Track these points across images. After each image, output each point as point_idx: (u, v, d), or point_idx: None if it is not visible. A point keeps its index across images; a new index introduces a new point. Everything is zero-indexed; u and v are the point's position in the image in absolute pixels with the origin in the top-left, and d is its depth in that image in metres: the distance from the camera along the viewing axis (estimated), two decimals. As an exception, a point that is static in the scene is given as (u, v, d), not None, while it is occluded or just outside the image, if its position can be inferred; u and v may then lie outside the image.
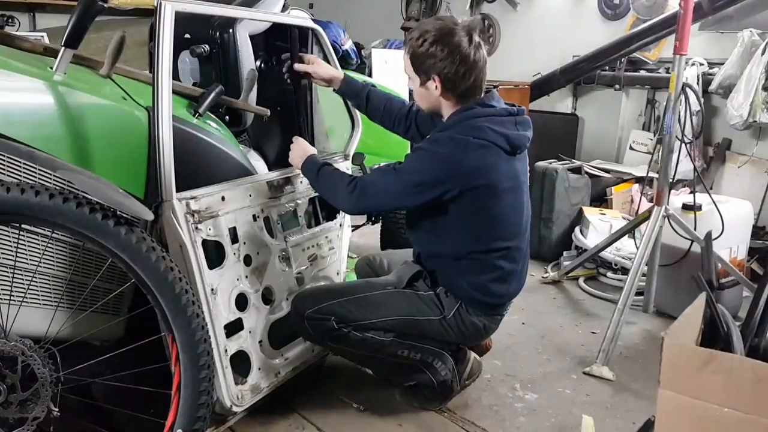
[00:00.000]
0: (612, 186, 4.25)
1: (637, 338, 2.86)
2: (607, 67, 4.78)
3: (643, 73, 4.69)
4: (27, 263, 1.65)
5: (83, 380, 1.64)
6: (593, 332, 2.89)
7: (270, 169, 2.31)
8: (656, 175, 3.00)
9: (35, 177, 1.62)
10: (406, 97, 2.77)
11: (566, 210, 3.88)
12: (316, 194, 2.25)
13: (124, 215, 1.54)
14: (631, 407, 2.27)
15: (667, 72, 4.31)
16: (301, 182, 2.23)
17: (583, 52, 4.78)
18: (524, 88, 4.94)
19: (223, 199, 1.91)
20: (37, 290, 1.69)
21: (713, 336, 1.63)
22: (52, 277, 1.70)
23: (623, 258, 3.44)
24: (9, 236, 1.62)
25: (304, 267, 2.24)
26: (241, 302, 1.96)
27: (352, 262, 2.59)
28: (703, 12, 3.88)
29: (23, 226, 1.58)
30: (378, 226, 3.46)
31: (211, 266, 1.85)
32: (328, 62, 2.36)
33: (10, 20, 4.71)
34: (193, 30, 2.17)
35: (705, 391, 1.42)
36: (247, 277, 1.99)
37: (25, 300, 1.64)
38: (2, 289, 1.62)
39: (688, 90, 2.80)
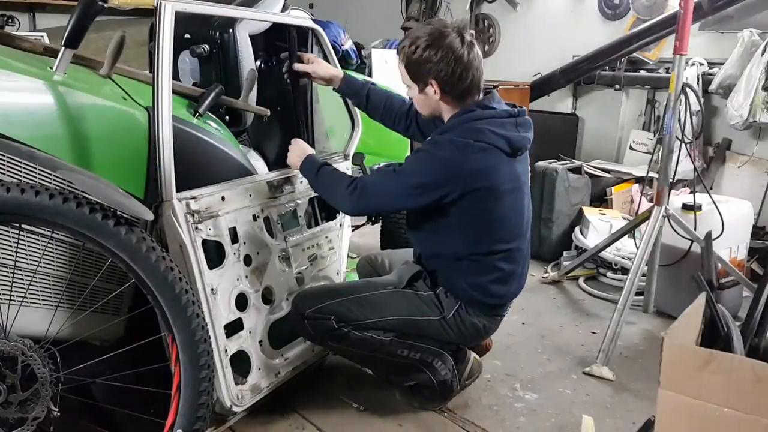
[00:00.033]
0: (612, 186, 4.25)
1: (637, 338, 2.85)
2: (607, 67, 4.77)
3: (643, 73, 4.69)
4: (27, 263, 1.65)
5: (83, 380, 1.64)
6: (593, 332, 2.89)
7: (270, 169, 2.31)
8: (656, 175, 3.00)
9: (35, 177, 1.62)
10: (405, 96, 2.76)
11: (566, 210, 3.88)
12: (316, 194, 2.25)
13: (124, 215, 1.54)
14: (631, 407, 2.27)
15: (667, 72, 4.31)
16: (301, 182, 2.22)
17: (583, 52, 4.78)
18: (524, 88, 4.95)
19: (223, 199, 1.91)
20: (37, 290, 1.69)
21: (713, 336, 1.63)
22: (52, 277, 1.70)
23: (623, 258, 3.44)
24: (9, 236, 1.61)
25: (304, 267, 2.24)
26: (241, 302, 1.96)
27: (352, 262, 2.59)
28: (703, 12, 3.88)
29: (23, 226, 1.58)
30: (378, 226, 3.45)
31: (211, 266, 1.85)
32: (328, 62, 2.36)
33: (10, 20, 4.71)
34: (193, 30, 2.17)
35: (705, 391, 1.42)
36: (247, 277, 1.99)
37: (25, 300, 1.64)
38: (2, 289, 1.62)
39: (688, 90, 2.79)
